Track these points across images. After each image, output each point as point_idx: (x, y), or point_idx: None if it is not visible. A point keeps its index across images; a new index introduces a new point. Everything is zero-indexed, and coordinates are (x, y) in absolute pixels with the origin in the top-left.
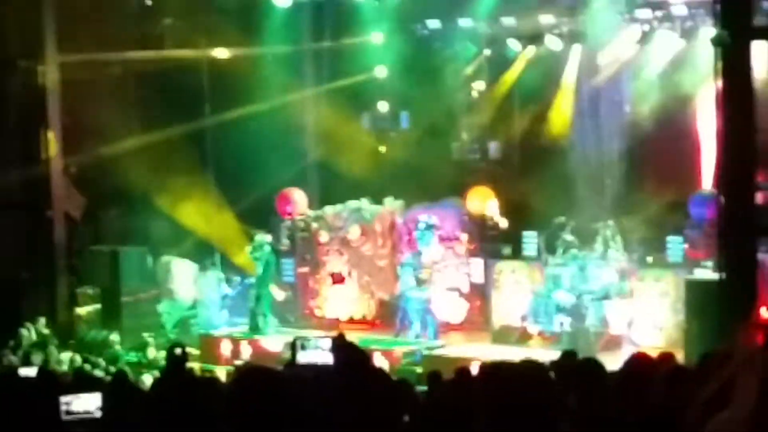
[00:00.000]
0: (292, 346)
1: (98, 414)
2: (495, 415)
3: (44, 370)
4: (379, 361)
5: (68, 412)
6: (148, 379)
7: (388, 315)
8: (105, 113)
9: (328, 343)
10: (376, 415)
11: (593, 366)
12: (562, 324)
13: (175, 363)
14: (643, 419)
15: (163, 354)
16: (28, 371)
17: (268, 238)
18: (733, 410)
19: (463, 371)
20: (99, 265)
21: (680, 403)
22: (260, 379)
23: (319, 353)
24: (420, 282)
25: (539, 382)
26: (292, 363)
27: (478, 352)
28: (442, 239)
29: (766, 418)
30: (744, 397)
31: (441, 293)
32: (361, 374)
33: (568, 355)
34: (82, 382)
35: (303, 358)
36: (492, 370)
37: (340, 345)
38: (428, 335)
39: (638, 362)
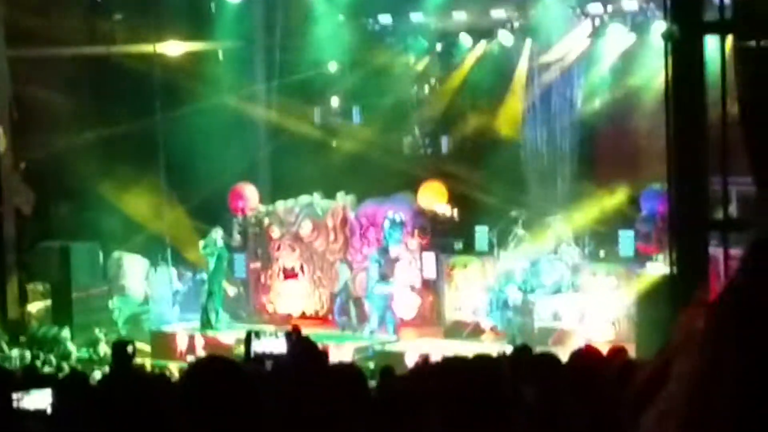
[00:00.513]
0: (247, 338)
1: (49, 410)
2: (449, 409)
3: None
4: (334, 356)
5: (19, 409)
6: (99, 376)
7: None
8: (55, 108)
9: (281, 335)
10: (332, 408)
11: (549, 359)
12: (509, 320)
13: (122, 359)
14: (594, 413)
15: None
16: None
17: (220, 233)
18: (672, 388)
19: (418, 366)
20: (49, 261)
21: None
22: (217, 370)
23: (273, 342)
24: (384, 278)
25: (493, 375)
26: (247, 354)
27: (430, 348)
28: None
29: (704, 395)
30: (682, 373)
31: (400, 289)
32: (317, 366)
33: (523, 350)
34: (32, 379)
35: (258, 347)
36: (445, 364)
37: (295, 338)
38: (387, 331)
39: (584, 356)
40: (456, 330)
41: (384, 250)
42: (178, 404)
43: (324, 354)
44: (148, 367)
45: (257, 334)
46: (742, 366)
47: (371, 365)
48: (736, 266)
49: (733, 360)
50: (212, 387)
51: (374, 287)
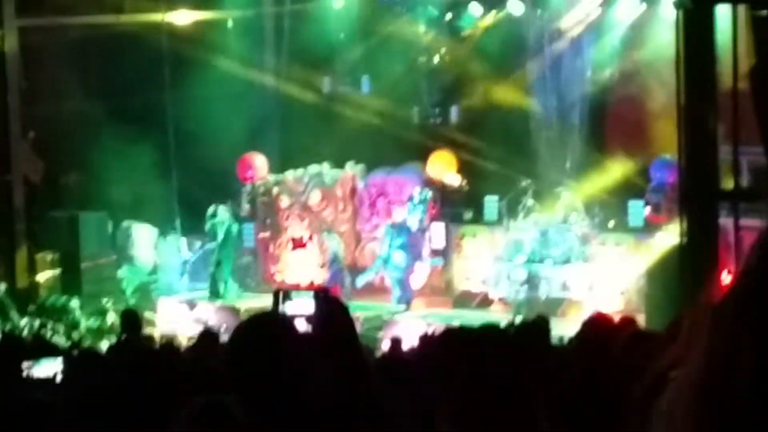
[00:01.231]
0: (275, 298)
1: (58, 379)
2: (468, 380)
3: (8, 335)
4: None
5: (29, 377)
6: (107, 345)
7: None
8: (64, 78)
9: (310, 296)
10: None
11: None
12: (518, 292)
13: (131, 328)
14: (603, 381)
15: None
16: None
17: (228, 204)
18: (685, 370)
19: (426, 337)
20: (58, 230)
21: (639, 366)
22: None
23: (303, 303)
24: (403, 250)
25: (501, 345)
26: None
27: (438, 318)
28: (404, 204)
29: (716, 375)
30: (695, 355)
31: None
32: (346, 328)
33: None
34: (42, 348)
35: (288, 309)
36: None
37: (324, 298)
38: (405, 302)
39: (596, 324)
40: (465, 300)
41: (403, 224)
42: (225, 359)
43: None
44: (156, 337)
45: (286, 295)
46: (757, 352)
47: (379, 334)
48: (750, 247)
49: (748, 346)
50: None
51: (393, 260)
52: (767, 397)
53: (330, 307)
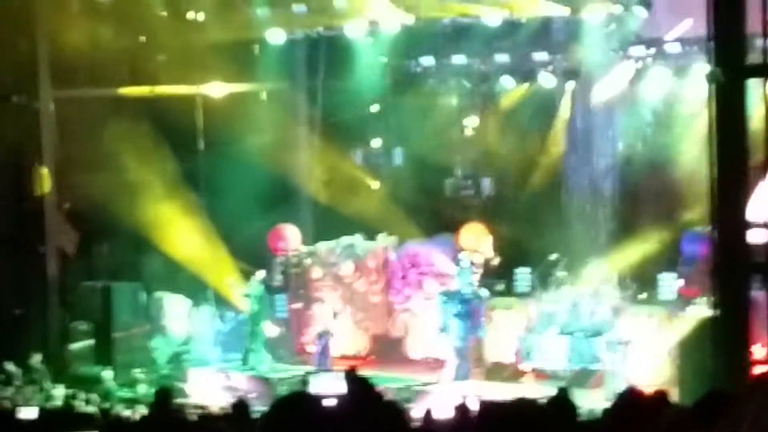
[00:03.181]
0: (303, 380)
1: None
2: None
3: (44, 410)
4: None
5: None
6: (136, 416)
7: (381, 351)
8: (98, 149)
9: (340, 376)
10: None
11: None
12: (550, 364)
13: (162, 401)
14: None
15: (154, 390)
16: (27, 412)
17: (261, 274)
18: None
19: (462, 408)
20: (92, 300)
21: None
22: (299, 405)
23: (331, 382)
24: (460, 319)
25: (535, 420)
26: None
27: (471, 389)
28: (435, 275)
29: None
30: None
31: (434, 330)
32: (375, 407)
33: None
34: (77, 420)
35: (315, 388)
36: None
37: (353, 378)
38: (463, 375)
39: (631, 398)
40: (497, 371)
41: (457, 292)
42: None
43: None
44: (189, 407)
45: (311, 375)
46: None
47: (412, 406)
48: None
49: None
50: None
51: (450, 330)
52: None
53: (360, 386)
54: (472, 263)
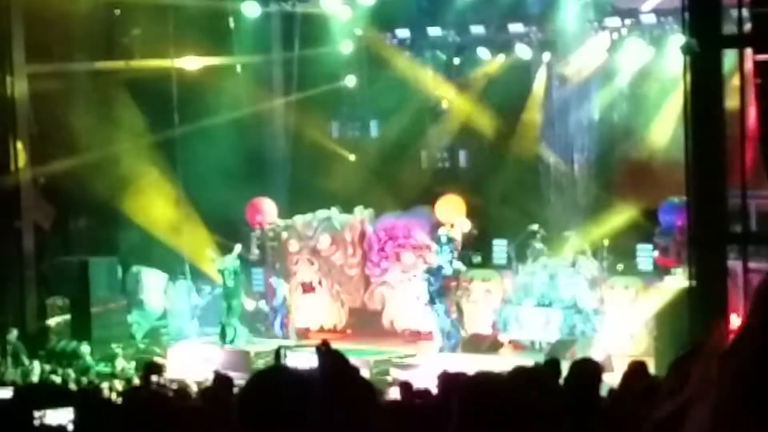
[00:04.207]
0: (276, 354)
1: (71, 427)
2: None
3: (19, 390)
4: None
5: (41, 425)
6: (112, 390)
7: (359, 324)
8: (74, 123)
9: (310, 351)
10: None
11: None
12: (527, 335)
13: (147, 376)
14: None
15: (132, 364)
16: (3, 392)
17: (238, 248)
18: (692, 421)
19: (445, 378)
20: (68, 275)
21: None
22: (274, 380)
23: (303, 357)
24: (440, 295)
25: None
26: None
27: (448, 361)
28: (412, 248)
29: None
30: (698, 419)
31: (411, 303)
32: (348, 381)
33: (553, 363)
34: (54, 396)
35: (289, 363)
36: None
37: (324, 353)
38: (450, 348)
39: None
40: (474, 344)
41: (438, 267)
42: (236, 415)
43: (355, 369)
44: (167, 382)
45: (287, 354)
46: (754, 417)
47: (389, 378)
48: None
49: (745, 412)
50: (274, 396)
51: (431, 304)
52: None
53: (332, 360)
54: (452, 239)
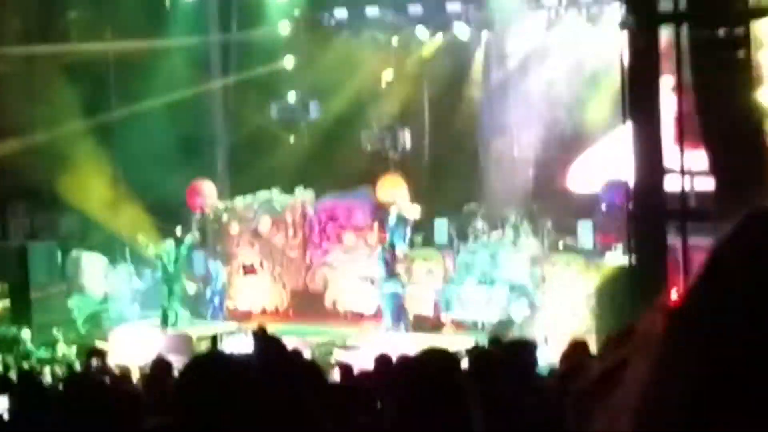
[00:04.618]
0: (213, 339)
1: (6, 416)
2: (403, 399)
3: None
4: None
5: None
6: (50, 376)
7: (301, 305)
8: (10, 107)
9: (248, 335)
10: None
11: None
12: (470, 314)
13: (88, 360)
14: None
15: (73, 349)
16: None
17: (178, 231)
18: (621, 395)
19: (381, 359)
20: (7, 260)
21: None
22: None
23: (240, 341)
24: (392, 275)
25: (445, 367)
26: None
27: (391, 342)
28: (354, 228)
29: (654, 404)
30: (633, 380)
31: (353, 283)
32: (283, 365)
33: (496, 342)
34: None
35: (226, 348)
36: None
37: (260, 336)
38: (401, 329)
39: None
40: (417, 324)
41: (391, 247)
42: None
43: (296, 353)
44: (110, 366)
45: (223, 338)
46: (696, 375)
47: (332, 360)
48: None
49: (688, 369)
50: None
51: (383, 286)
52: (708, 412)
53: (269, 345)
54: (404, 218)
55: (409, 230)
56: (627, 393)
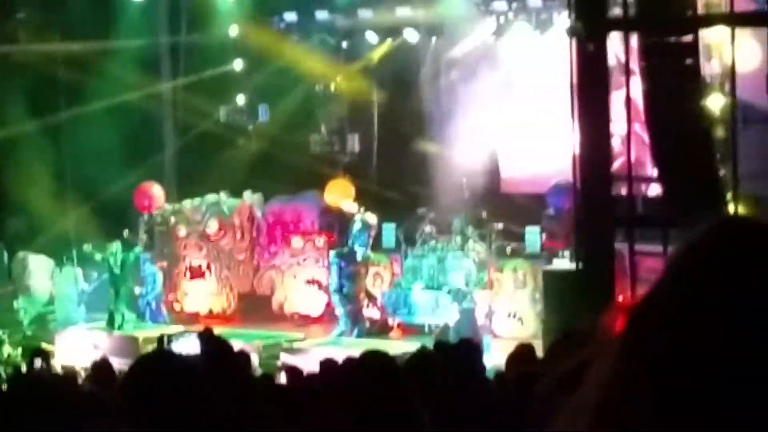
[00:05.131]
0: (159, 341)
1: None
2: (352, 408)
3: None
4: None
5: None
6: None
7: (248, 308)
8: None
9: (193, 336)
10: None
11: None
12: (416, 318)
13: (32, 363)
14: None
15: (19, 351)
16: None
17: (125, 233)
18: (582, 396)
19: (327, 363)
20: None
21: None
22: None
23: (186, 343)
24: (351, 280)
25: (388, 371)
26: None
27: (336, 345)
28: (301, 232)
29: (613, 407)
30: (594, 382)
31: (300, 287)
32: (230, 366)
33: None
34: None
35: (177, 347)
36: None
37: (206, 338)
38: (353, 334)
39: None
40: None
41: (351, 252)
42: (120, 402)
43: (242, 354)
44: (57, 369)
45: (170, 340)
46: (655, 376)
47: (278, 363)
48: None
49: (647, 369)
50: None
51: (340, 289)
52: (667, 413)
53: (215, 346)
54: (368, 224)
55: (371, 236)
56: (588, 393)
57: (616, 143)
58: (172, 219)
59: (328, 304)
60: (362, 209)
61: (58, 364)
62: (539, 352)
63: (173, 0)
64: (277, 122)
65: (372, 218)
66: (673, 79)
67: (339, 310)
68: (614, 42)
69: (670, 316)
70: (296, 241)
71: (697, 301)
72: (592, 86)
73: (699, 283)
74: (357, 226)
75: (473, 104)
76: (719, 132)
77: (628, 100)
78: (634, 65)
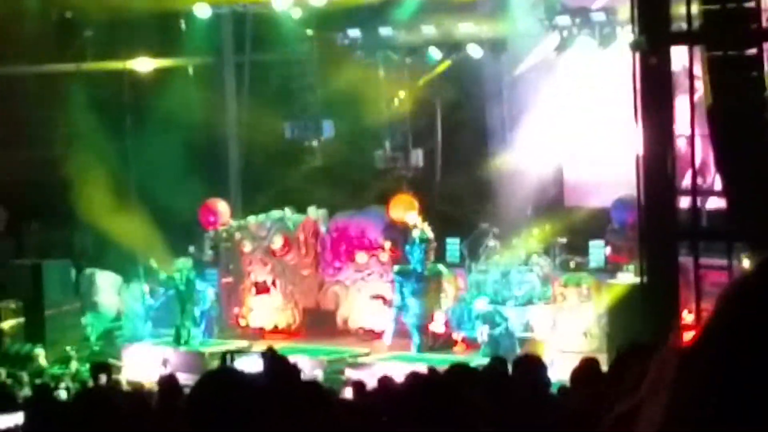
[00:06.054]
0: (222, 359)
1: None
2: (417, 421)
3: None
4: (307, 368)
5: None
6: (64, 392)
7: (312, 324)
8: (25, 126)
9: (258, 356)
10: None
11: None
12: (482, 333)
13: (96, 377)
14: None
15: (87, 367)
16: None
17: (191, 249)
18: (647, 417)
19: (385, 380)
20: (21, 278)
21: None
22: (223, 382)
23: (249, 361)
24: (414, 295)
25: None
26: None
27: (402, 360)
28: (366, 248)
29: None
30: (647, 421)
31: (365, 302)
32: (292, 385)
33: (499, 362)
34: (4, 401)
35: (240, 364)
36: (413, 379)
37: (270, 357)
38: (415, 349)
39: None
40: (428, 342)
41: (414, 272)
42: (185, 416)
43: (298, 372)
44: (123, 384)
45: (233, 355)
46: (707, 418)
47: (343, 377)
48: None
49: (699, 411)
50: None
51: (403, 305)
52: None
53: (277, 364)
54: (426, 239)
55: (428, 250)
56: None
57: (682, 143)
58: (238, 235)
59: (394, 319)
60: (419, 223)
61: (125, 380)
62: (604, 367)
63: (238, 18)
64: (341, 138)
65: (429, 232)
66: (738, 92)
67: (410, 328)
68: (679, 50)
69: (720, 359)
70: (360, 257)
71: (747, 341)
72: (655, 100)
73: (749, 322)
74: (413, 240)
75: (536, 118)
76: None
77: (692, 114)
78: (698, 71)
